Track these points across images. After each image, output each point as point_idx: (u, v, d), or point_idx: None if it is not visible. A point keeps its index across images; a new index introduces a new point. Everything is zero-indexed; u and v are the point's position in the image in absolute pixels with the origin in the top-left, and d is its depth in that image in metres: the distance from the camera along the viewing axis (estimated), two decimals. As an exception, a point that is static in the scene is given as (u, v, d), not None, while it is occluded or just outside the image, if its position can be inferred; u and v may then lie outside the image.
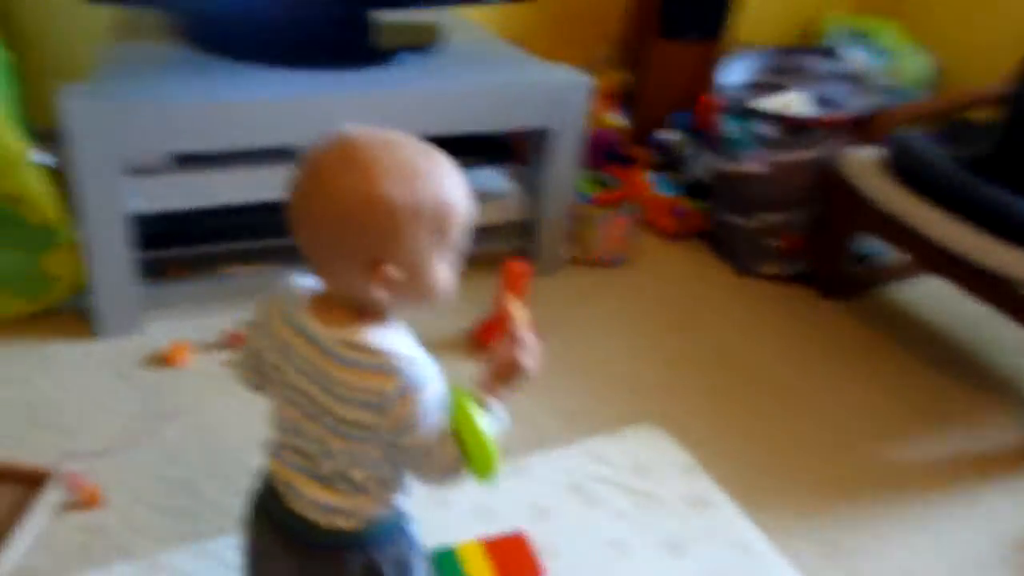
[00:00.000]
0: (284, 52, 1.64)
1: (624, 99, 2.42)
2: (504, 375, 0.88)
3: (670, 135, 2.26)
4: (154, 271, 1.64)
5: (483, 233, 1.87)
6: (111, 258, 1.51)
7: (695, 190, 2.13)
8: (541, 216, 1.85)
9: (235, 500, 1.23)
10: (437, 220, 0.79)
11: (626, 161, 2.28)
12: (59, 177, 1.44)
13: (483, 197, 1.83)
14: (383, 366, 0.79)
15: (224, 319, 1.65)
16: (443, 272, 0.82)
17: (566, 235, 1.93)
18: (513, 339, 0.88)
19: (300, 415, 0.84)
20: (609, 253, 1.96)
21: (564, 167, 1.80)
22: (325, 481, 0.86)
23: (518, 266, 1.62)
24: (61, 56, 1.90)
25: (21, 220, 1.44)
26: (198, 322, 1.65)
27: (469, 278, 1.72)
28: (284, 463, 0.88)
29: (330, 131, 0.78)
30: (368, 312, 0.82)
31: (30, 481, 1.27)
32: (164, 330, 1.61)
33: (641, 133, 2.37)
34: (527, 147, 1.85)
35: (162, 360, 1.54)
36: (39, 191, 1.41)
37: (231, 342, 1.59)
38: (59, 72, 1.65)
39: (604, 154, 2.28)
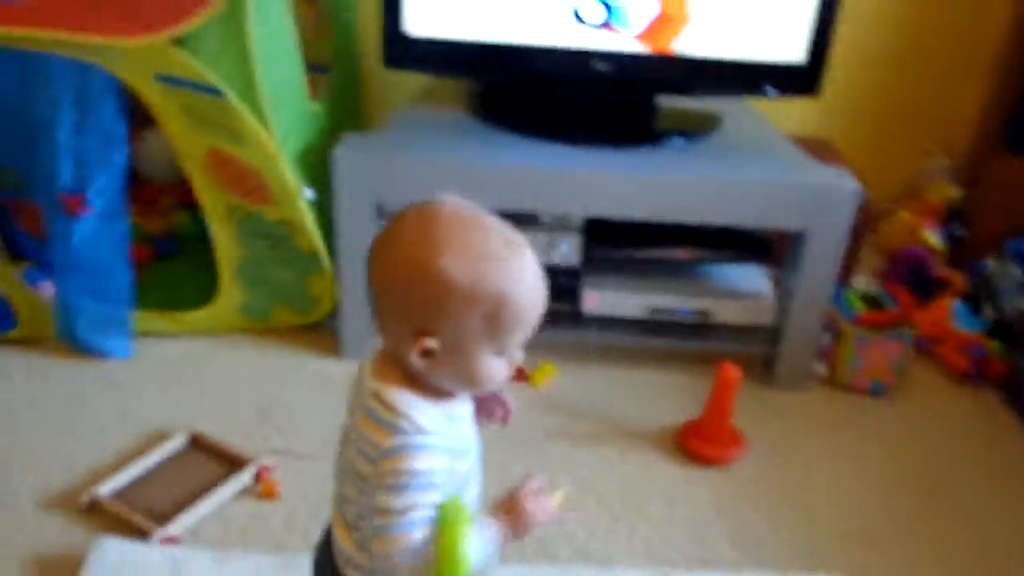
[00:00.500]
0: (554, 125, 1.72)
1: (951, 216, 2.14)
2: (510, 511, 0.84)
3: (994, 263, 1.95)
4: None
5: (728, 331, 1.78)
6: (357, 291, 1.70)
7: (1002, 331, 1.81)
8: (789, 325, 1.71)
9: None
10: (493, 311, 0.77)
11: (933, 284, 2.01)
12: (324, 213, 1.67)
13: (732, 295, 1.75)
14: (392, 424, 0.79)
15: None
16: (490, 364, 0.80)
17: (818, 351, 1.75)
18: (537, 492, 0.85)
19: (342, 454, 0.88)
20: (868, 380, 1.74)
21: (820, 276, 1.65)
22: (349, 528, 0.88)
23: (731, 371, 1.53)
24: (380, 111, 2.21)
25: (294, 244, 1.69)
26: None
27: (699, 374, 1.66)
28: (335, 503, 0.92)
29: (432, 198, 0.80)
30: (417, 378, 0.81)
31: (233, 463, 1.47)
32: (394, 363, 1.77)
33: (965, 256, 2.08)
34: (786, 249, 1.73)
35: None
36: (308, 222, 1.64)
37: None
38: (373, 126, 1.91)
39: (909, 272, 2.04)
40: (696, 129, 1.81)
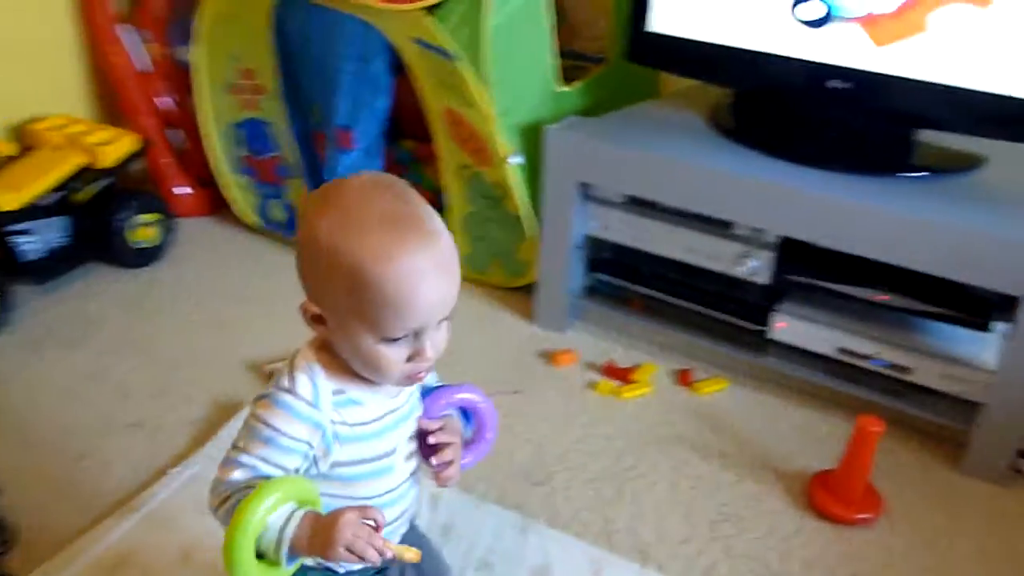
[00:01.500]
0: (778, 138, 1.66)
1: None
2: (326, 518, 0.75)
3: None
4: (616, 297, 1.87)
5: (922, 394, 1.59)
6: (556, 262, 1.81)
7: None
8: (990, 404, 1.46)
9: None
10: (352, 288, 0.74)
11: None
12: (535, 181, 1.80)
13: (942, 356, 1.56)
14: (278, 375, 0.82)
15: (627, 354, 1.81)
16: (377, 349, 0.77)
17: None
18: (362, 519, 0.75)
19: None
20: (1086, 496, 1.42)
21: (1036, 354, 1.39)
22: None
23: (870, 424, 1.39)
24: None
25: (507, 208, 1.85)
26: (606, 346, 1.83)
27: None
28: None
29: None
30: (330, 348, 0.81)
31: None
32: (576, 338, 1.85)
33: None
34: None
35: (550, 357, 1.79)
36: (516, 187, 1.79)
37: (607, 371, 1.74)
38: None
39: None
40: (940, 167, 1.61)
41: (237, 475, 0.77)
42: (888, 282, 1.60)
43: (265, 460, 0.77)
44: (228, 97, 2.06)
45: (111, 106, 2.25)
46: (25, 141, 2.07)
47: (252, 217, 2.19)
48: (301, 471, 0.80)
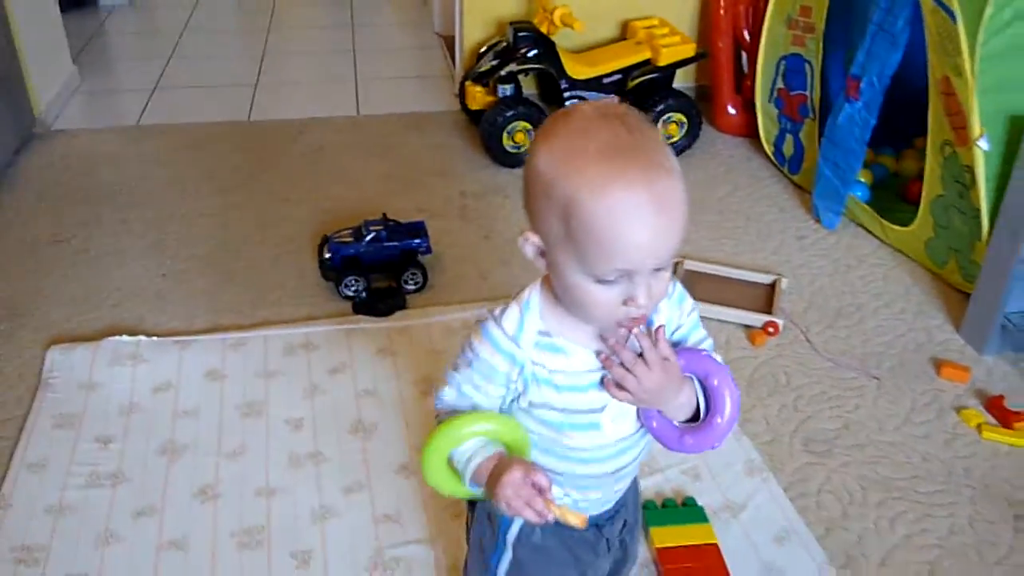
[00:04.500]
0: None
1: None
2: (500, 467, 0.74)
3: None
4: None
5: None
6: (999, 273, 1.59)
7: None
8: None
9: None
10: (565, 215, 0.69)
11: None
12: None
13: None
14: (503, 303, 0.81)
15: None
16: (583, 286, 0.71)
17: None
18: (528, 478, 0.72)
19: None
20: None
21: None
22: None
23: None
24: None
25: (971, 198, 1.64)
26: (1017, 386, 1.56)
27: None
28: None
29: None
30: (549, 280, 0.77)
31: (768, 304, 1.75)
32: (988, 363, 1.63)
33: None
34: None
35: (938, 365, 1.61)
36: (979, 173, 1.59)
37: (990, 404, 1.51)
38: None
39: None
40: None
41: (448, 392, 0.81)
42: None
43: (469, 382, 0.79)
44: (784, 31, 2.16)
45: (705, 19, 2.55)
46: (622, 32, 2.50)
47: (769, 146, 2.30)
48: (507, 398, 0.80)
